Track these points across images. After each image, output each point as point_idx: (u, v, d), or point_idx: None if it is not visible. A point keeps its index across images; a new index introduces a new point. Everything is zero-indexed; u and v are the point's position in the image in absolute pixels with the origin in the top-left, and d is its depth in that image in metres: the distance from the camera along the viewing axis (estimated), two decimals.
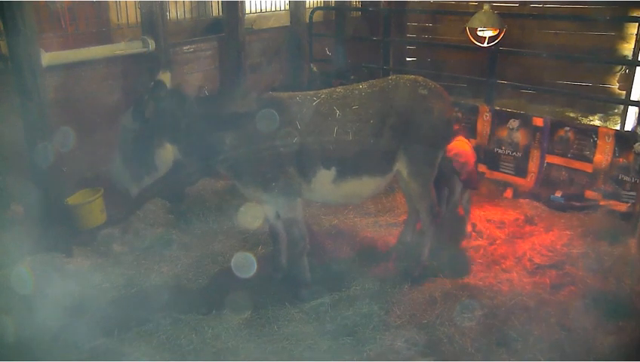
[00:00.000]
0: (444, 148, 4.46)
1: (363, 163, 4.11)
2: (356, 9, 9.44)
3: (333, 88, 4.31)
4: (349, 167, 4.06)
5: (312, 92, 4.21)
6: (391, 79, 4.31)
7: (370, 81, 4.37)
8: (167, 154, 3.97)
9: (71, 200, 4.99)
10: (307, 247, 4.22)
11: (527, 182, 5.98)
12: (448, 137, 4.49)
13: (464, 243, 4.96)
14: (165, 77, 3.95)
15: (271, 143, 3.90)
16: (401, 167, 4.25)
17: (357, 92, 4.15)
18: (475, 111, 6.38)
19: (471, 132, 6.41)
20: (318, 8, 8.52)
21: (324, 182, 4.08)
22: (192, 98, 4.03)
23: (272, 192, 4.01)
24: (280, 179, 3.96)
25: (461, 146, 4.79)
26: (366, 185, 4.24)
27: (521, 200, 5.74)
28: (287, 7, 8.13)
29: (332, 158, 4.01)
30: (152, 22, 5.62)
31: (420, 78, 4.33)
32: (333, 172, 4.04)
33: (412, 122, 4.12)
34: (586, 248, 4.65)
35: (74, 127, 4.87)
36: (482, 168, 6.31)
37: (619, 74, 8.40)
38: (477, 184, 5.03)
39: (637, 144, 5.14)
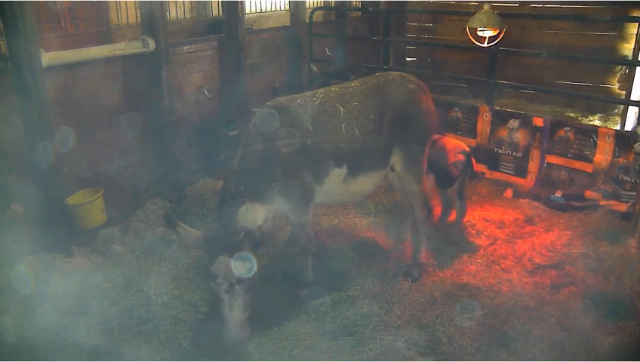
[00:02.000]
0: (431, 140, 4.60)
1: (368, 158, 4.18)
2: (356, 9, 9.43)
3: (327, 87, 4.36)
4: (357, 163, 4.12)
5: (309, 92, 4.24)
6: (380, 76, 4.44)
7: (360, 78, 4.47)
8: None
9: (71, 200, 4.98)
10: (313, 249, 4.24)
11: (527, 182, 5.98)
12: (434, 130, 4.67)
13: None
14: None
15: (287, 149, 3.85)
16: (396, 161, 4.32)
17: (351, 89, 4.22)
18: (475, 111, 6.38)
19: (471, 132, 6.42)
20: (318, 8, 8.52)
21: (335, 181, 4.10)
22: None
23: (289, 199, 3.95)
24: (297, 185, 3.92)
25: (455, 143, 5.02)
26: (370, 181, 4.32)
27: (521, 200, 5.74)
28: (287, 7, 8.13)
29: (343, 156, 4.05)
30: (152, 22, 5.62)
31: (405, 75, 4.50)
32: (344, 170, 4.08)
33: (405, 115, 4.24)
34: (586, 248, 4.65)
35: (74, 127, 4.87)
36: (482, 168, 6.32)
37: (619, 74, 8.40)
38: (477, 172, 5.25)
39: (637, 144, 5.13)
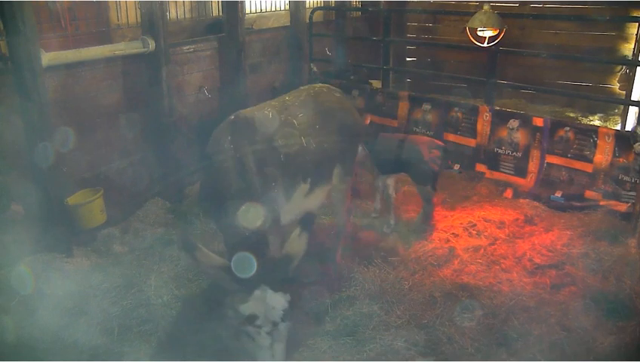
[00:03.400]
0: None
1: (322, 170, 4.08)
2: (356, 9, 9.44)
3: (267, 101, 4.22)
4: (315, 176, 3.97)
5: (257, 106, 4.08)
6: (308, 88, 4.48)
7: (290, 92, 4.45)
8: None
9: (71, 200, 4.98)
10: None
11: (527, 182, 5.98)
12: (362, 138, 4.75)
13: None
14: None
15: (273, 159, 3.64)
16: (337, 169, 4.26)
17: (290, 102, 4.10)
18: (475, 112, 6.38)
19: (471, 132, 6.41)
20: (318, 8, 8.52)
21: (300, 197, 3.88)
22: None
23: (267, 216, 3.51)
24: (273, 201, 3.57)
25: (425, 139, 5.20)
26: (325, 193, 4.25)
27: (521, 200, 5.73)
28: (287, 7, 8.13)
29: (307, 169, 3.86)
30: (152, 22, 5.62)
31: (330, 86, 4.63)
32: (307, 184, 3.90)
33: (342, 123, 4.24)
34: (586, 248, 4.65)
35: (74, 127, 4.87)
36: (482, 168, 6.32)
37: (619, 74, 8.40)
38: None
39: (637, 144, 5.14)
